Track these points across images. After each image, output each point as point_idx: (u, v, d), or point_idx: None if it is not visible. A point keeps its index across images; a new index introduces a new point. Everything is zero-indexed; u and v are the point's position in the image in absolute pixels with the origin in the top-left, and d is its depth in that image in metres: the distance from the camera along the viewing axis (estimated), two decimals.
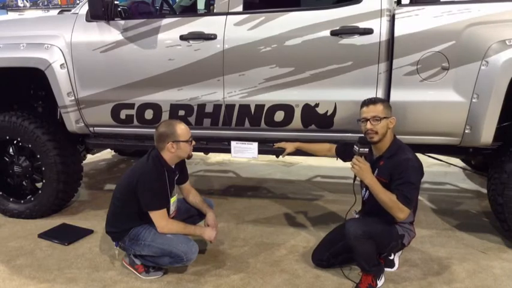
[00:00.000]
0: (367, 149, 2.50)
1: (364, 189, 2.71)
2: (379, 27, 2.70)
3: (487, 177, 3.05)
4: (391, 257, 2.72)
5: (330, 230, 2.91)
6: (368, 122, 2.51)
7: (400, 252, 2.79)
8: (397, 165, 2.45)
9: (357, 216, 2.79)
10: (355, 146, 2.51)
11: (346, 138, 2.98)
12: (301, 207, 3.76)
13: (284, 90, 2.92)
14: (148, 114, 3.18)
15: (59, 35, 3.19)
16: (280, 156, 3.10)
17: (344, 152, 2.91)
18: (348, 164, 3.15)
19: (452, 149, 2.97)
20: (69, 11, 3.47)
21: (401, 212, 2.37)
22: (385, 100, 2.65)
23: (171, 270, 2.72)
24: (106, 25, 3.12)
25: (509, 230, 2.93)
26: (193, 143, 2.72)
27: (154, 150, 2.68)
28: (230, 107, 3.04)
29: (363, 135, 2.58)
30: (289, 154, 3.05)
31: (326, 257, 2.72)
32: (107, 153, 5.41)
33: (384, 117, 2.50)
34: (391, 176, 2.47)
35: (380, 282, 2.54)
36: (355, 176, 2.58)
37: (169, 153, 2.64)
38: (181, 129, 2.64)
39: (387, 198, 2.38)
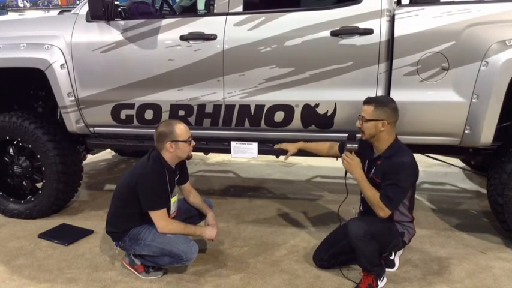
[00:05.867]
0: (356, 145, 2.57)
1: None
2: (379, 28, 2.70)
3: (487, 177, 3.05)
4: (392, 257, 2.73)
5: (329, 230, 2.92)
6: (358, 119, 2.59)
7: (401, 252, 2.79)
8: (392, 167, 2.48)
9: (354, 212, 2.80)
10: (345, 142, 2.60)
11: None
12: (301, 207, 3.76)
13: (284, 91, 2.92)
14: (149, 114, 3.18)
15: (59, 35, 3.19)
16: (283, 158, 3.07)
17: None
18: None
19: (452, 149, 2.98)
20: (69, 11, 3.47)
21: (381, 210, 2.45)
22: (384, 102, 2.54)
23: (171, 270, 2.72)
24: (106, 25, 3.12)
25: (510, 230, 2.93)
26: (193, 143, 2.72)
27: (155, 151, 2.68)
28: (230, 107, 3.04)
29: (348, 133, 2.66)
30: (291, 155, 3.04)
31: (326, 257, 2.73)
32: (107, 153, 5.39)
33: (370, 120, 2.50)
34: (384, 176, 2.50)
35: (381, 283, 2.54)
36: (346, 172, 2.67)
37: (169, 153, 2.64)
38: (180, 129, 2.64)
39: (371, 194, 2.48)
